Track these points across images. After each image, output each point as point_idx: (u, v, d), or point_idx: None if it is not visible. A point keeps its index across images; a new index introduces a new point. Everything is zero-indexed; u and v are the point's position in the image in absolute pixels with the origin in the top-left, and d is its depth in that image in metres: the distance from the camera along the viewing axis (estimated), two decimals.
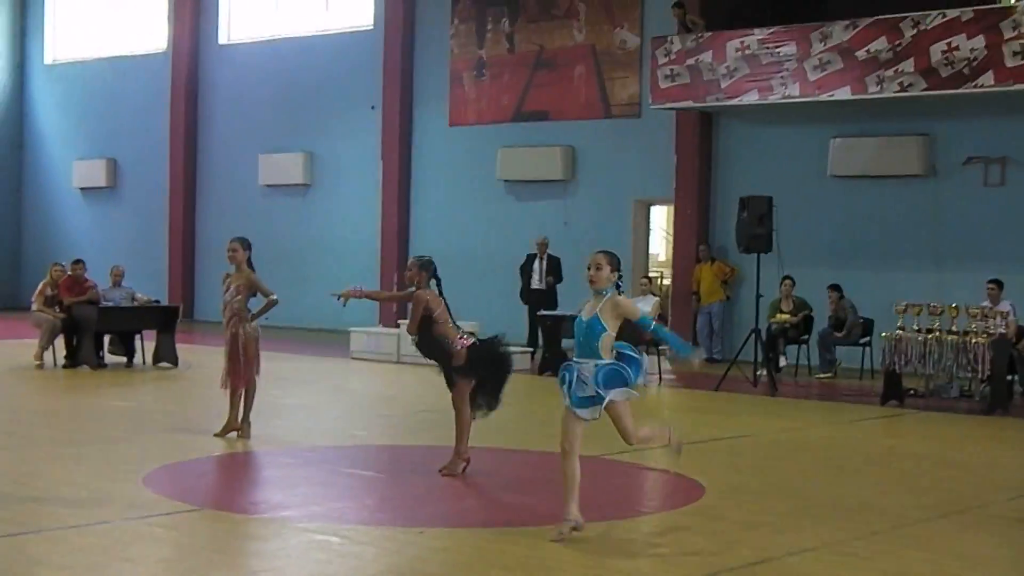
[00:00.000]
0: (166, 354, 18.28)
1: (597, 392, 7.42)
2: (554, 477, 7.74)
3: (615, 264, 7.60)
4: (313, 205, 28.02)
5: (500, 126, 24.90)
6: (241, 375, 11.50)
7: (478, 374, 9.77)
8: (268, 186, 28.70)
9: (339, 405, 14.58)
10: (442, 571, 6.89)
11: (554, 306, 20.55)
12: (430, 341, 9.91)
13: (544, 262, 21.28)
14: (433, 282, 10.14)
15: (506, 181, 24.81)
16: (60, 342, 17.96)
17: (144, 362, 18.51)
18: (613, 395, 7.45)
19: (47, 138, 33.95)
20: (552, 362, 18.46)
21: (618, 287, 7.63)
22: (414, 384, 17.46)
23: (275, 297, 11.57)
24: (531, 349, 20.55)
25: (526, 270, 21.56)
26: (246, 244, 11.77)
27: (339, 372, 18.81)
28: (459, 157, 25.59)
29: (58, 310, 17.80)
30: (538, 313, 19.86)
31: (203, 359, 20.12)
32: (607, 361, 7.47)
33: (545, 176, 24.21)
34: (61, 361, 17.93)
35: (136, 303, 18.52)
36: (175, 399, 15.05)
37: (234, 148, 29.56)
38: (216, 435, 11.54)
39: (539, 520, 8.02)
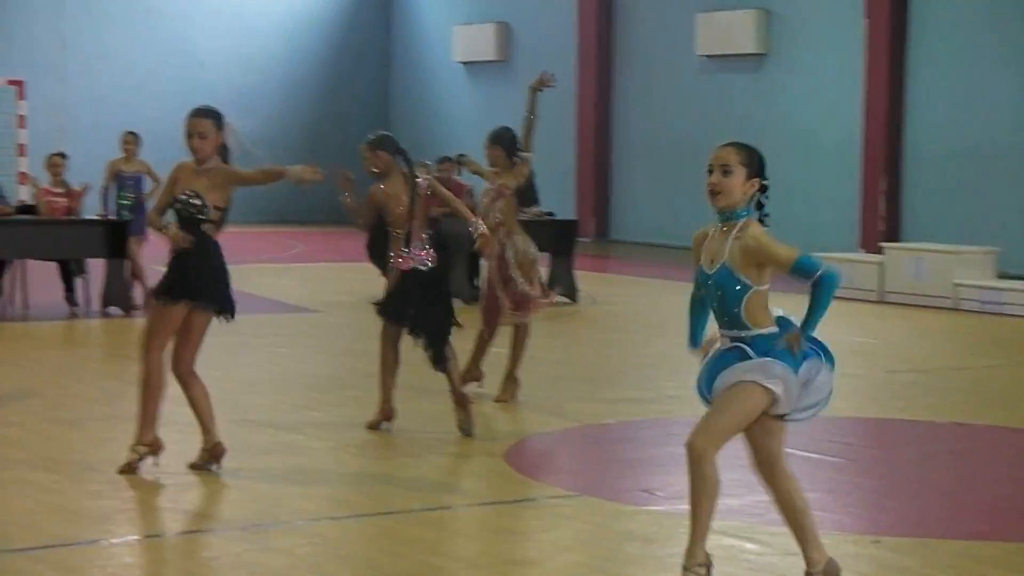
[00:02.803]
0: (561, 284, 18.67)
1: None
2: None
3: (754, 164, 6.09)
4: (769, 81, 27.84)
5: None
6: (497, 309, 11.54)
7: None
8: (709, 57, 28.77)
9: None
10: None
11: None
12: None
13: None
14: (401, 161, 10.07)
15: None
16: None
17: None
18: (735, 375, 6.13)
19: None
20: None
21: (760, 206, 6.14)
22: (902, 332, 17.11)
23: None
24: None
25: None
26: (504, 140, 11.60)
27: (795, 312, 18.55)
28: (981, 13, 24.59)
29: None
30: None
31: (613, 292, 20.51)
32: (764, 332, 6.12)
33: None
34: None
35: (524, 215, 18.99)
36: (566, 346, 15.35)
37: (664, 5, 29.80)
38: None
39: None
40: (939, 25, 25.13)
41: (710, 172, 6.04)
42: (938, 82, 25.13)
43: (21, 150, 29.13)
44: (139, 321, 16.12)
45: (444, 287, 10.32)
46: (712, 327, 6.36)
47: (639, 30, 30.41)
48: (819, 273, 6.05)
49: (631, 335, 15.96)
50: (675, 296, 20.23)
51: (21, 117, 29.66)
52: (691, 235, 22.51)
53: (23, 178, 27.95)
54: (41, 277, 17.20)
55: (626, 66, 30.72)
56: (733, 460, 9.61)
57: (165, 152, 33.28)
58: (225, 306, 8.79)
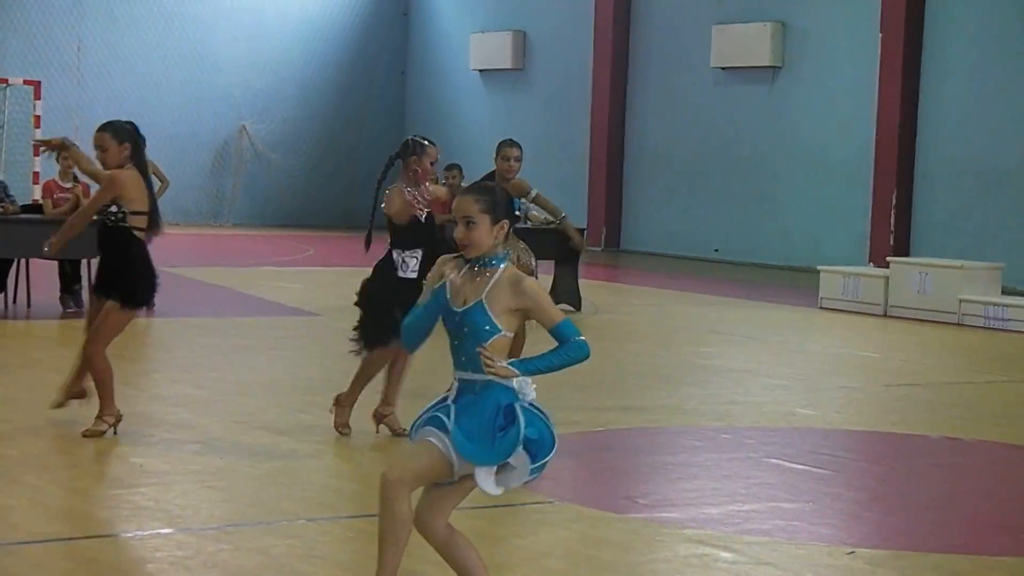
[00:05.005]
0: (565, 293, 18.71)
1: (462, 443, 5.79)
2: None
3: (497, 209, 5.83)
4: (783, 95, 27.84)
5: None
6: None
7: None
8: (723, 69, 28.78)
9: (785, 370, 14.46)
10: None
11: None
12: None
13: None
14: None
15: None
16: None
17: None
18: (482, 475, 5.87)
19: (438, 5, 35.52)
20: None
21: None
22: (903, 345, 17.09)
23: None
24: None
25: None
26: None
27: (799, 325, 18.67)
28: (995, 30, 24.53)
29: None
30: None
31: (618, 302, 20.54)
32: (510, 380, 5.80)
33: None
34: None
35: (528, 224, 18.99)
36: None
37: (680, 16, 29.82)
38: None
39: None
40: (953, 41, 25.08)
41: (455, 222, 5.84)
42: (951, 97, 25.09)
43: (35, 150, 29.27)
44: (140, 322, 16.17)
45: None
46: None
47: (655, 40, 30.43)
48: (576, 338, 5.81)
49: (630, 344, 15.96)
50: (680, 306, 20.30)
51: (37, 117, 29.81)
52: (702, 245, 22.46)
53: (36, 177, 28.10)
54: (45, 276, 17.25)
55: (641, 76, 30.74)
56: (715, 469, 9.67)
57: (183, 154, 33.21)
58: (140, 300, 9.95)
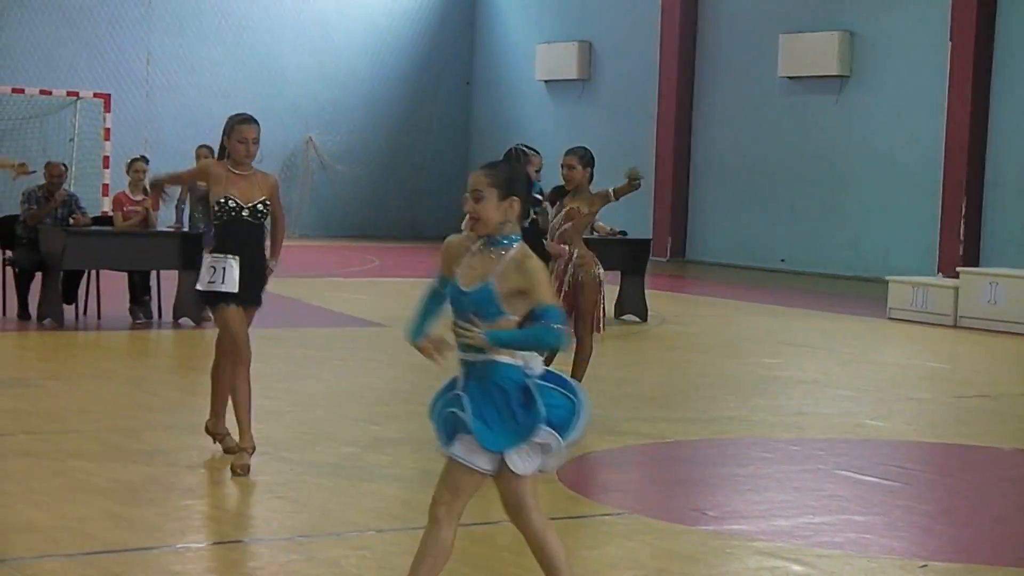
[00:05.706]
0: (631, 304, 18.70)
1: (478, 428, 5.75)
2: None
3: (508, 185, 5.79)
4: (851, 104, 27.71)
5: None
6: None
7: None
8: (791, 78, 28.66)
9: (854, 382, 14.38)
10: None
11: None
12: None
13: None
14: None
15: None
16: None
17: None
18: (514, 459, 5.75)
19: (504, 16, 35.56)
20: None
21: (526, 232, 5.91)
22: (974, 356, 16.98)
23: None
24: None
25: None
26: (586, 159, 11.32)
27: (868, 336, 18.57)
28: None
29: None
30: None
31: (685, 312, 20.48)
32: (501, 360, 5.75)
33: None
34: None
35: (596, 234, 18.99)
36: (631, 364, 15.35)
37: (746, 26, 29.78)
38: None
39: None
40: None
41: (466, 199, 5.83)
42: (1022, 107, 24.89)
43: (105, 162, 29.54)
44: (209, 333, 16.27)
45: None
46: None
47: (722, 50, 30.38)
48: (553, 324, 5.67)
49: (698, 355, 15.92)
50: (747, 317, 20.23)
51: (107, 130, 30.07)
52: (769, 256, 22.29)
53: (106, 189, 28.35)
54: (114, 287, 17.37)
55: (708, 86, 30.69)
56: (785, 481, 9.63)
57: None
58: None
